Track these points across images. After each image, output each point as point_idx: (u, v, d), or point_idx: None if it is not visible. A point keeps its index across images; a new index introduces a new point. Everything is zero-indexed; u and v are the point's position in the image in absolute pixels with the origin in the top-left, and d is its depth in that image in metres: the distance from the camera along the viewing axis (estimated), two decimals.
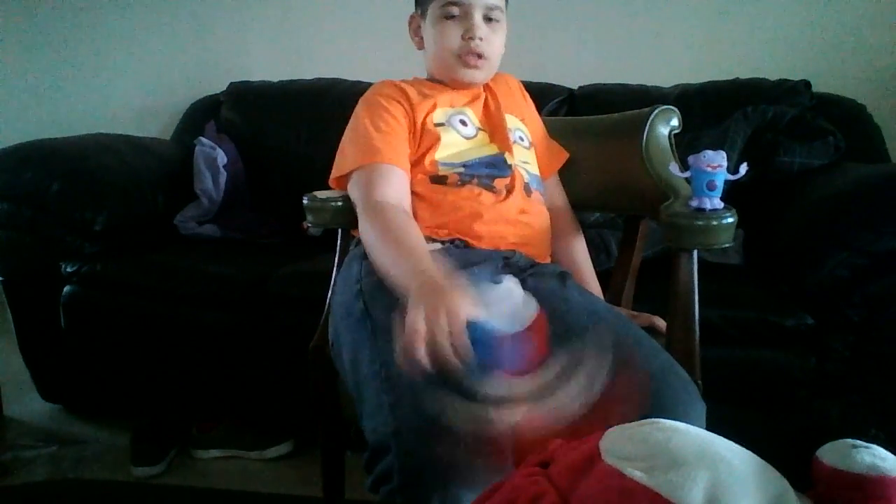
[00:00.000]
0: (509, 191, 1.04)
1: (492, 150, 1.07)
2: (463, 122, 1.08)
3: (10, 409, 1.78)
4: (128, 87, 2.48)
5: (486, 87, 1.14)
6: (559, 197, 1.19)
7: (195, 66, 2.41)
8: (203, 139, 1.99)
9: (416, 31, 1.12)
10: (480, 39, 1.03)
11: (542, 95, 1.77)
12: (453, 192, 1.01)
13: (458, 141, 1.05)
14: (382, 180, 0.98)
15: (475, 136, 1.07)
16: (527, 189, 1.07)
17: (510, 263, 1.00)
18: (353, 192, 1.02)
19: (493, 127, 1.09)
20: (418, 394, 0.73)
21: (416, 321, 0.69)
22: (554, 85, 1.93)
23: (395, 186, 0.99)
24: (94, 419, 1.75)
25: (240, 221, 1.91)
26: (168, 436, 1.59)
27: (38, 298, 1.70)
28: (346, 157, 1.04)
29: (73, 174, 1.67)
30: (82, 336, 1.67)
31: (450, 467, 0.68)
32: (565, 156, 1.20)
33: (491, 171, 1.04)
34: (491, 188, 1.03)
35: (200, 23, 2.39)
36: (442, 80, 1.10)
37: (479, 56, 1.04)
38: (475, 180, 1.02)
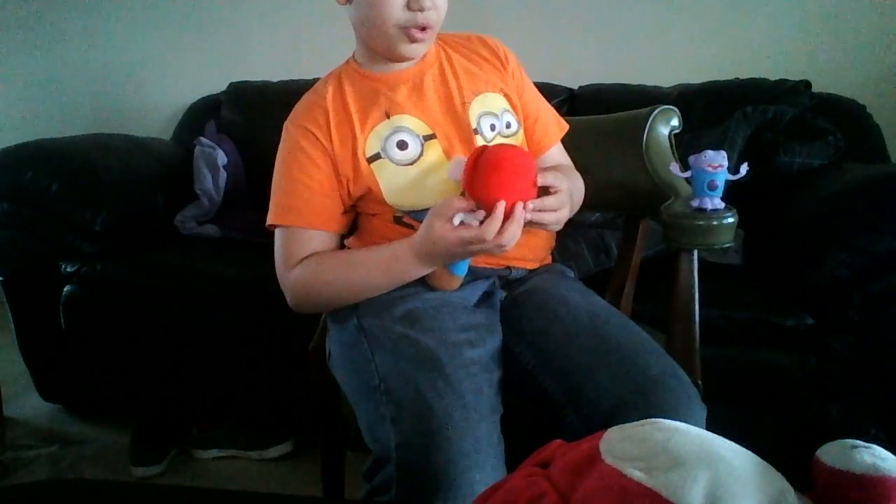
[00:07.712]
0: None
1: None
2: (401, 145, 0.91)
3: (10, 409, 1.78)
4: (128, 87, 2.48)
5: (441, 54, 0.97)
6: (565, 162, 1.07)
7: (195, 66, 2.41)
8: (203, 139, 1.99)
9: None
10: (428, 9, 0.87)
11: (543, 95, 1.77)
12: None
13: (398, 173, 0.90)
14: (299, 249, 0.91)
15: (420, 154, 0.90)
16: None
17: (509, 279, 0.98)
18: (276, 248, 0.94)
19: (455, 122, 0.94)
20: (419, 408, 0.74)
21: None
22: (554, 85, 1.93)
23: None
24: (94, 419, 1.75)
25: (240, 221, 1.91)
26: (168, 436, 1.59)
27: (38, 298, 1.70)
28: (271, 203, 0.94)
29: (73, 174, 1.67)
30: (82, 336, 1.67)
31: (448, 480, 0.69)
32: (565, 127, 1.08)
33: None
34: None
35: (200, 23, 2.38)
36: (375, 51, 0.94)
37: (424, 28, 0.88)
38: None
